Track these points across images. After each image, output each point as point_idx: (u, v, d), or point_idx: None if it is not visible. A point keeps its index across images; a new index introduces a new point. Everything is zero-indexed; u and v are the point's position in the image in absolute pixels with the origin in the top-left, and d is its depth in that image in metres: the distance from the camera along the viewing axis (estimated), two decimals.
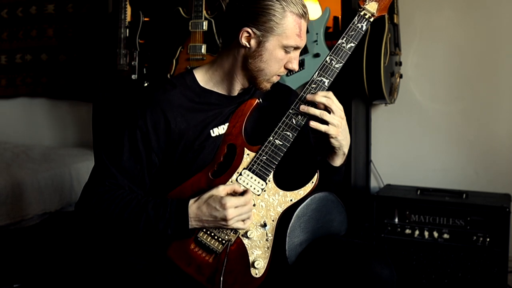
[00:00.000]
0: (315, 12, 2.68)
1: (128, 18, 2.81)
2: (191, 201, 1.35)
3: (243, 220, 1.36)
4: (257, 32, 1.36)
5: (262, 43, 1.37)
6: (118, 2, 2.81)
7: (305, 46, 2.37)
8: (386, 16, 2.50)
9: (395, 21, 2.63)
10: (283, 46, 1.38)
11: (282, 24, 1.36)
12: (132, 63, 2.77)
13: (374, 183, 2.95)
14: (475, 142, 2.79)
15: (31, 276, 2.48)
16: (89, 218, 1.38)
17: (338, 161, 1.46)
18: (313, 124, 1.38)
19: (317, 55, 2.45)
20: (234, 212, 1.32)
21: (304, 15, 1.39)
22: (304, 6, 1.39)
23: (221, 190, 1.35)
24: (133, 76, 2.76)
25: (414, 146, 2.90)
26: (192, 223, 1.34)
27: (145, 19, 2.82)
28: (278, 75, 1.45)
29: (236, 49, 1.41)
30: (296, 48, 1.41)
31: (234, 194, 1.37)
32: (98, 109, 1.63)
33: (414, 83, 2.87)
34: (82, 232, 2.50)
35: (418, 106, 2.87)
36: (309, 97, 1.39)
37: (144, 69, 2.80)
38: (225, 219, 1.32)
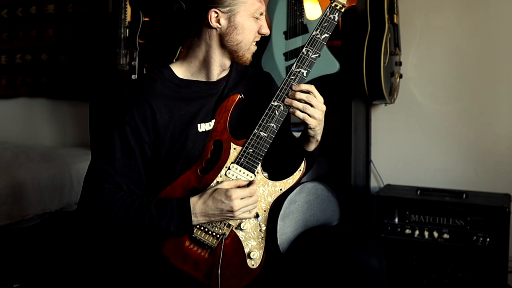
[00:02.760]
0: (315, 12, 2.68)
1: (128, 18, 2.81)
2: (195, 198, 1.36)
3: (249, 211, 1.38)
4: (224, 9, 1.42)
5: (232, 18, 1.44)
6: (118, 2, 2.81)
7: None
8: (386, 16, 2.50)
9: (395, 21, 2.63)
10: (251, 14, 1.45)
11: None
12: (132, 63, 2.76)
13: (374, 183, 2.95)
14: (475, 142, 2.79)
15: (31, 276, 2.48)
16: (92, 225, 1.37)
17: (311, 147, 1.53)
18: (292, 111, 1.42)
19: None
20: (241, 203, 1.34)
21: None
22: None
23: (226, 184, 1.37)
24: (133, 76, 2.76)
25: (414, 146, 2.90)
26: (199, 219, 1.36)
27: (145, 19, 2.82)
28: (255, 44, 1.51)
29: (206, 34, 1.46)
30: (261, 14, 1.48)
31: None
32: (95, 110, 1.63)
33: (414, 83, 2.87)
34: (80, 232, 2.49)
35: (418, 106, 2.87)
36: (290, 94, 1.43)
37: (144, 69, 2.79)
38: (231, 211, 1.34)
